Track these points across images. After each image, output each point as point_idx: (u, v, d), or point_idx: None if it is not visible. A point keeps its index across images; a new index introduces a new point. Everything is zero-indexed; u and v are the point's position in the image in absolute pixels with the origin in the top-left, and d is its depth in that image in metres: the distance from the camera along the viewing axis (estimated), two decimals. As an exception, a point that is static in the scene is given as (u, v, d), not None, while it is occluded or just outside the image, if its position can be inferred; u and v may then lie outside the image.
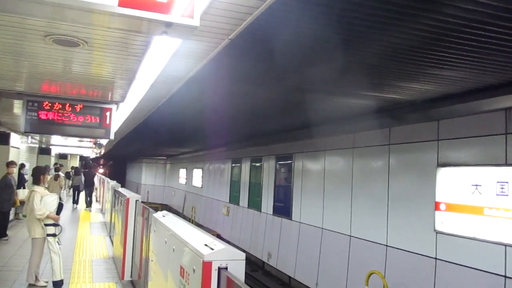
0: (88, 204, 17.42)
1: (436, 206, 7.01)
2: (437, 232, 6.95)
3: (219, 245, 2.49)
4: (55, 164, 19.57)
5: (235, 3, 2.86)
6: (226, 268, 2.37)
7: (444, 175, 6.95)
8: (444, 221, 6.87)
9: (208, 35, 3.53)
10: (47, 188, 14.87)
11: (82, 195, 18.34)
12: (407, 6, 3.21)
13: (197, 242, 2.68)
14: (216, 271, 2.37)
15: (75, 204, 17.83)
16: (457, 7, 3.18)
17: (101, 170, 24.57)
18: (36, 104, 6.52)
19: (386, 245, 8.07)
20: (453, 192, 6.77)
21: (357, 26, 3.69)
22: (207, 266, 2.36)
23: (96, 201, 19.75)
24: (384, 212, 8.21)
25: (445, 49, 4.19)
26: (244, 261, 2.43)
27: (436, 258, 6.94)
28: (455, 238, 6.63)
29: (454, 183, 6.76)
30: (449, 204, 6.80)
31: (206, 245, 2.54)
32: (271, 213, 13.45)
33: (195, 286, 2.49)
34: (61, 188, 15.27)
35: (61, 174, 15.91)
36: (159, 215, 4.21)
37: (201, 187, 22.78)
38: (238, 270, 2.38)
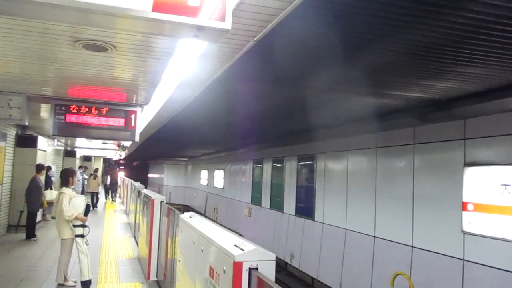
0: (113, 198, 21.89)
1: (464, 206, 6.88)
2: (465, 233, 6.82)
3: (249, 245, 2.51)
4: (80, 166, 20.23)
5: (261, 5, 2.88)
6: (257, 269, 2.38)
7: (471, 174, 6.82)
8: (472, 222, 6.73)
9: (233, 37, 3.56)
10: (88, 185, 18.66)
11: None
12: (431, 4, 3.17)
13: (227, 242, 2.70)
14: (247, 272, 2.38)
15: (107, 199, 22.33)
16: (483, 3, 3.13)
17: (121, 173, 26.11)
18: (63, 108, 6.68)
19: (412, 246, 7.96)
20: (481, 192, 6.63)
21: (381, 25, 3.66)
22: (238, 266, 2.38)
23: (119, 197, 23.11)
24: (409, 213, 8.10)
25: (471, 46, 4.13)
26: (274, 262, 2.44)
27: (464, 260, 6.81)
28: (484, 239, 6.49)
29: (482, 182, 6.63)
30: (477, 204, 6.67)
31: (236, 245, 2.55)
32: (294, 214, 13.42)
33: (226, 287, 2.52)
34: (98, 185, 19.20)
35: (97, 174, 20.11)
36: (186, 216, 4.25)
37: (223, 188, 22.90)
38: (268, 271, 2.38)
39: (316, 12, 3.13)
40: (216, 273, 2.77)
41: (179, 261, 4.25)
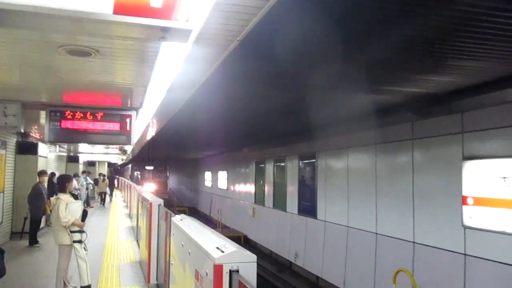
0: (111, 195, 26.83)
1: (464, 200, 6.81)
2: (466, 227, 6.74)
3: (230, 247, 2.48)
4: (83, 172, 20.33)
5: (239, 4, 2.84)
6: (238, 271, 2.35)
7: (470, 168, 6.75)
8: (472, 216, 6.66)
9: (216, 37, 3.52)
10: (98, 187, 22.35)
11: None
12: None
13: (209, 245, 2.67)
14: (228, 274, 2.35)
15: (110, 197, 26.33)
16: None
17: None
18: (58, 114, 6.69)
19: (414, 242, 7.89)
20: (480, 186, 6.56)
21: (368, 22, 3.62)
22: (218, 269, 2.35)
23: (123, 201, 24.94)
24: (410, 209, 8.03)
25: (465, 39, 4.09)
26: (256, 263, 2.40)
27: (465, 254, 6.74)
28: (484, 233, 6.42)
29: (481, 176, 6.55)
30: (477, 198, 6.59)
31: (217, 248, 2.53)
32: (296, 212, 13.37)
33: (208, 290, 2.49)
34: (106, 186, 22.86)
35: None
36: (177, 218, 4.23)
37: (226, 189, 22.89)
38: (249, 273, 2.35)
39: (293, 9, 3.09)
40: (200, 275, 2.75)
41: (172, 264, 4.23)
